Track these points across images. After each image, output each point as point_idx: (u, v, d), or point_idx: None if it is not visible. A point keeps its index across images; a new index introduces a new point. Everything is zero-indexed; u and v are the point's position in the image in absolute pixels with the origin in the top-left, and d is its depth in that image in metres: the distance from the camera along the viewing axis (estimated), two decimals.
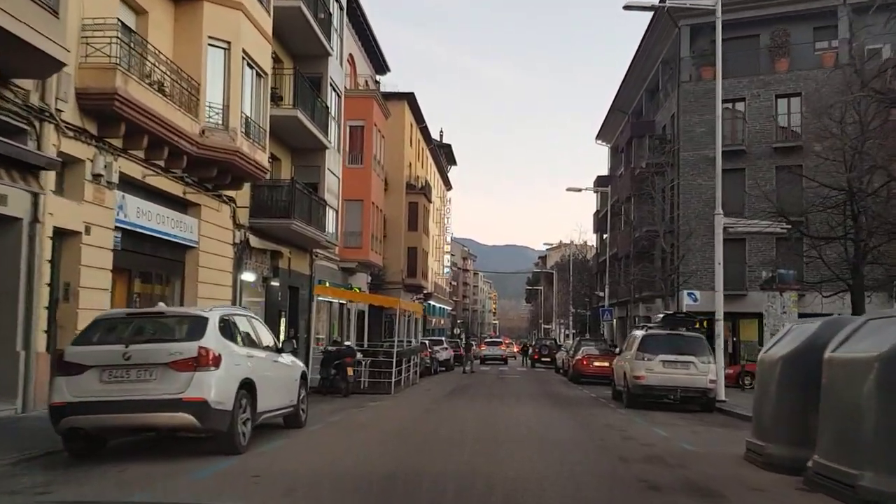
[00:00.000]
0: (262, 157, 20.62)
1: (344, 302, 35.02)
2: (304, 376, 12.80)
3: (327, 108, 27.32)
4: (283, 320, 26.17)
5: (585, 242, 66.36)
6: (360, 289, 35.32)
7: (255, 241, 22.99)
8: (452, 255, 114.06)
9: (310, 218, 25.14)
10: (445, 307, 78.67)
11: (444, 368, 39.06)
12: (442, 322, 75.03)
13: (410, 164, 54.41)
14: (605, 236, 54.97)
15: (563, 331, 75.42)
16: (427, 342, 36.36)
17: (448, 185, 76.24)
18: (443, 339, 41.64)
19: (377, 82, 49.85)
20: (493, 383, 29.33)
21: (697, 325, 19.75)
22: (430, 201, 56.69)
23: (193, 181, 19.00)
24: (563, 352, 40.16)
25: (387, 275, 50.38)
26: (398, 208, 51.99)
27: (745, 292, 34.47)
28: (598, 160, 57.59)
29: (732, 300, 34.88)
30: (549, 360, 47.30)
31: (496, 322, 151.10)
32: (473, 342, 45.72)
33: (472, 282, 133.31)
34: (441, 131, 75.45)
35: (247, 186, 22.66)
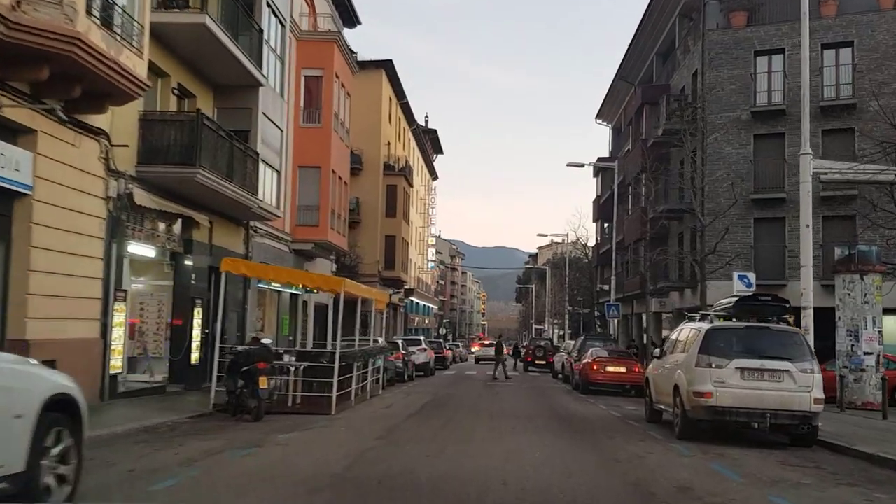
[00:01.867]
0: (136, 65, 13.60)
1: (299, 292, 28.03)
2: (59, 405, 5.80)
3: (261, 31, 20.34)
4: (198, 311, 19.10)
5: (579, 240, 58.67)
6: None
7: (144, 198, 15.95)
8: (439, 252, 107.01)
9: (231, 172, 18.16)
10: (430, 305, 71.67)
11: (421, 373, 32.09)
12: (426, 321, 68.01)
13: (389, 142, 47.51)
14: (605, 225, 48.15)
15: (556, 331, 68.53)
16: (401, 342, 29.36)
17: (433, 175, 69.34)
18: (420, 338, 34.61)
19: (353, 52, 42.93)
20: (481, 394, 22.38)
21: (789, 317, 12.68)
22: (411, 185, 49.78)
23: (21, 92, 12.07)
24: (563, 353, 33.23)
25: (360, 265, 43.45)
26: (374, 191, 45.14)
27: (785, 282, 27.70)
28: (596, 151, 50.42)
29: (768, 291, 28.25)
30: (543, 362, 40.37)
31: (485, 323, 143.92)
32: (506, 344, 37.80)
33: (460, 281, 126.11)
34: (426, 116, 68.59)
35: (131, 118, 15.69)
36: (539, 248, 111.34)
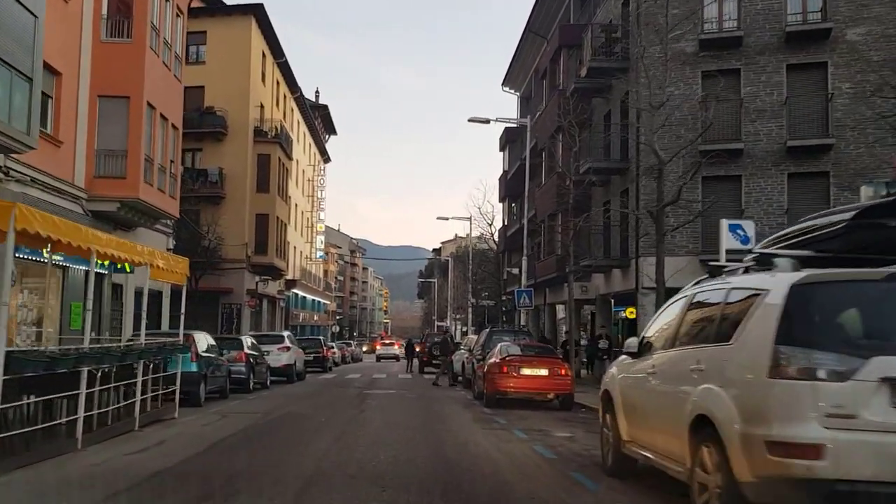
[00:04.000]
0: None
1: (103, 270, 19.62)
2: None
3: None
4: None
5: (483, 235, 50.84)
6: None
7: None
8: (338, 246, 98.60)
9: None
10: (322, 301, 63.33)
11: (283, 379, 24.25)
12: (316, 317, 59.66)
13: (262, 105, 39.26)
14: (513, 205, 41.32)
15: (459, 327, 61.47)
16: (245, 339, 21.38)
17: (325, 156, 61.05)
18: (284, 334, 26.62)
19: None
20: (338, 414, 14.78)
21: None
22: (289, 158, 41.57)
23: None
24: (464, 351, 25.95)
25: (222, 248, 35.14)
26: (242, 161, 36.83)
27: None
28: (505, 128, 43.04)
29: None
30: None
31: (388, 321, 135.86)
32: (453, 340, 31.15)
33: (360, 277, 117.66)
34: (317, 91, 60.50)
35: None
36: (443, 242, 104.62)
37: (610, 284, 25.33)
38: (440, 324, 74.64)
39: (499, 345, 17.73)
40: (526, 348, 18.04)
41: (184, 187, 35.77)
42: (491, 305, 49.23)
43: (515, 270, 32.45)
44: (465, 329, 56.06)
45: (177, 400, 13.13)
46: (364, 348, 64.95)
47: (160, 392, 12.55)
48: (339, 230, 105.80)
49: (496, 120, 28.42)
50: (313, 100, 58.22)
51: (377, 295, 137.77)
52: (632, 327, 29.82)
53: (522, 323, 29.47)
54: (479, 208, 45.64)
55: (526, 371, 15.88)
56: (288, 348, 24.84)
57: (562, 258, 27.09)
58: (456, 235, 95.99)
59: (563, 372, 15.98)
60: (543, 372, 15.93)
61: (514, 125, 35.56)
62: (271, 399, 18.10)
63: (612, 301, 26.58)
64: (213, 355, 17.08)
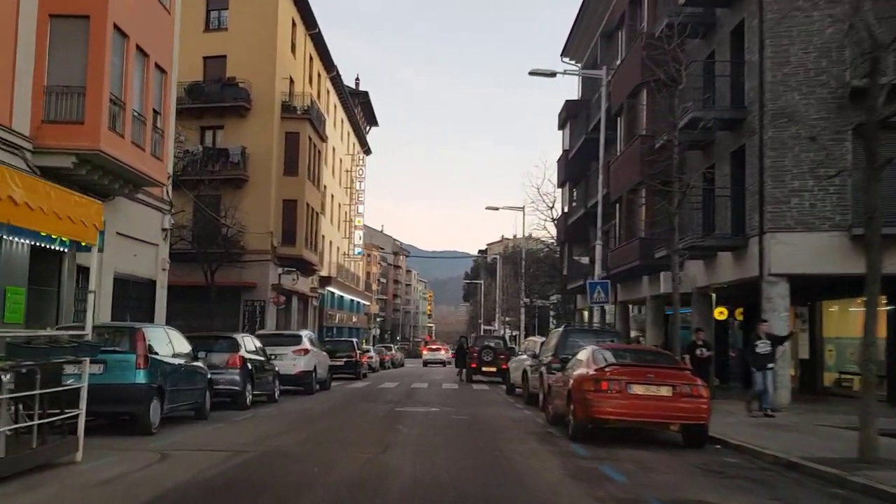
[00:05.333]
0: None
1: (61, 247, 14.48)
2: None
3: None
4: None
5: (530, 234, 44.72)
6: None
7: None
8: (381, 248, 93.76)
9: None
10: (360, 301, 58.12)
11: (300, 389, 18.99)
12: (354, 319, 54.46)
13: (291, 79, 34.27)
14: (574, 190, 35.51)
15: (508, 331, 55.70)
16: (243, 339, 16.06)
17: (365, 148, 55.98)
18: (301, 334, 21.14)
19: None
20: (353, 450, 9.40)
21: None
22: (322, 139, 36.42)
23: None
24: (525, 357, 20.31)
25: (244, 238, 30.22)
26: (267, 139, 31.85)
27: None
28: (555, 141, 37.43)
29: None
30: (494, 369, 27.48)
31: (431, 325, 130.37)
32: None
33: (404, 280, 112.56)
34: (357, 78, 55.44)
35: None
36: (489, 244, 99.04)
37: (713, 273, 19.41)
38: (487, 327, 68.98)
39: (592, 351, 12.03)
40: (619, 353, 12.32)
41: (202, 169, 31.15)
42: (544, 305, 43.57)
43: (585, 259, 26.67)
44: (513, 334, 50.40)
45: (80, 432, 7.82)
46: (423, 353, 59.55)
47: (45, 420, 7.25)
48: (382, 231, 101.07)
49: (564, 73, 23.09)
50: (353, 87, 53.32)
51: (421, 298, 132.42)
52: (721, 330, 23.86)
53: (601, 321, 23.56)
54: (537, 188, 39.48)
55: (638, 389, 10.22)
56: (306, 351, 19.48)
57: (646, 241, 21.32)
58: (503, 237, 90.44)
59: (694, 391, 10.28)
60: (664, 391, 10.25)
61: (572, 116, 29.84)
62: (268, 421, 12.78)
63: (714, 296, 20.70)
64: (181, 361, 11.81)
